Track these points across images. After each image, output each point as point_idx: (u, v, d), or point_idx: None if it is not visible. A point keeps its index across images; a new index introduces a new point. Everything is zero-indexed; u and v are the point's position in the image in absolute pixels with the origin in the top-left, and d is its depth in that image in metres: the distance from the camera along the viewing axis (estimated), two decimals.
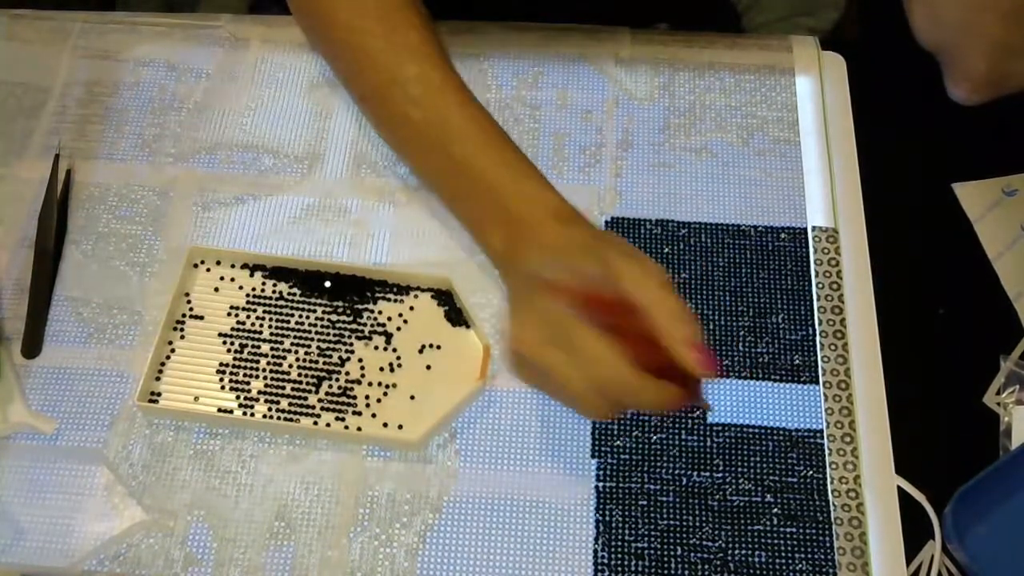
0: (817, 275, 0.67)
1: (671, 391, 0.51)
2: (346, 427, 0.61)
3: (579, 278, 0.53)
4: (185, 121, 0.74)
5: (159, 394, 0.62)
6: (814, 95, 0.74)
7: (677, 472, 0.61)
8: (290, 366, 0.63)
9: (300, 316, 0.65)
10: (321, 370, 0.63)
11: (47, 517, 0.60)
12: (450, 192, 0.63)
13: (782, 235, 0.68)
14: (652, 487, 0.60)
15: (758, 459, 0.61)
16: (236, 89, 0.75)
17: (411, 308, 0.65)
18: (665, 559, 0.58)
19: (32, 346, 0.65)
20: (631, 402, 0.52)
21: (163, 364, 0.63)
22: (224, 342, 0.64)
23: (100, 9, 0.81)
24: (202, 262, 0.67)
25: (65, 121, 0.74)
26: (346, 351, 0.64)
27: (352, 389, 0.62)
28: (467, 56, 0.75)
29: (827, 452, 0.61)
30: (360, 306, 0.65)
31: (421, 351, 0.64)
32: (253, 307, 0.65)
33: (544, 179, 0.60)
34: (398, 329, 0.64)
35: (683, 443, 0.62)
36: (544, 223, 0.57)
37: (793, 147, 0.72)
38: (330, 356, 0.63)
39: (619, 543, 0.59)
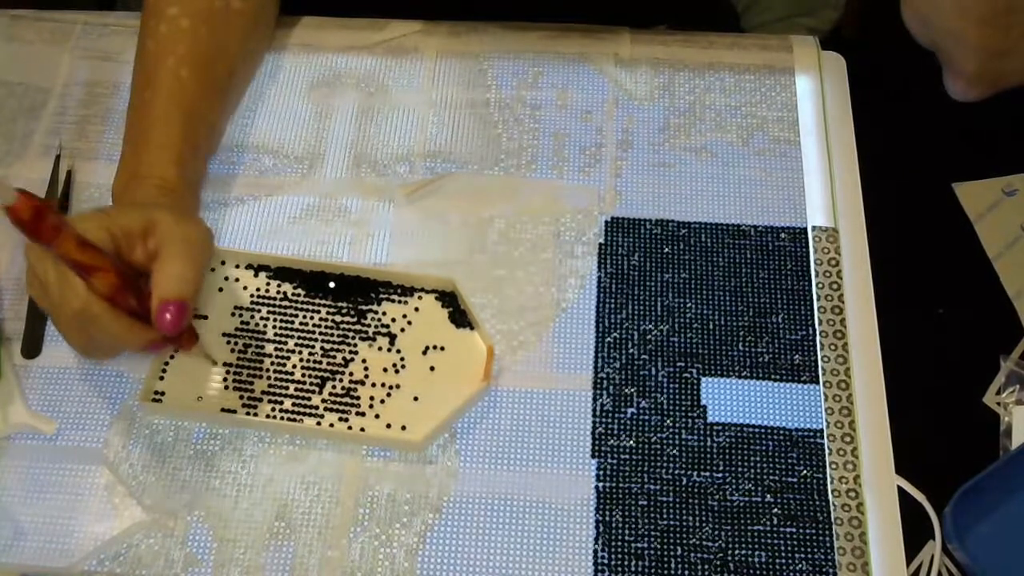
0: (817, 275, 0.67)
1: (142, 331, 0.56)
2: (349, 428, 0.61)
3: (110, 228, 0.56)
4: None
5: (162, 394, 0.62)
6: (814, 95, 0.74)
7: (677, 472, 0.61)
8: (294, 366, 0.63)
9: (304, 317, 0.65)
10: (325, 371, 0.63)
11: (47, 517, 0.60)
12: (127, 119, 0.67)
13: (782, 235, 0.68)
14: (652, 487, 0.60)
15: (758, 459, 0.61)
16: None
17: (415, 309, 0.65)
18: (665, 559, 0.58)
19: (32, 346, 0.65)
20: (101, 336, 0.56)
21: (166, 364, 0.63)
22: (228, 342, 0.64)
23: (100, 9, 0.81)
24: None
25: (66, 122, 0.74)
26: (350, 352, 0.64)
27: (356, 390, 0.62)
28: (467, 56, 0.75)
29: (827, 452, 0.61)
30: (364, 307, 0.65)
31: (425, 352, 0.64)
32: (257, 307, 0.65)
33: (185, 158, 0.64)
34: (402, 330, 0.64)
35: (683, 443, 0.62)
36: (151, 185, 0.62)
37: (793, 147, 0.72)
38: (334, 357, 0.63)
39: (619, 543, 0.59)
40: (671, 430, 0.62)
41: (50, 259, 0.55)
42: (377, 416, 0.62)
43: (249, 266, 0.67)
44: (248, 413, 0.62)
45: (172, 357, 0.64)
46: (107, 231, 0.56)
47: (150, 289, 0.56)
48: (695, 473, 0.61)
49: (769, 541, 0.59)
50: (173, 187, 0.63)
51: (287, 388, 0.62)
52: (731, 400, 0.63)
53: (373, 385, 0.63)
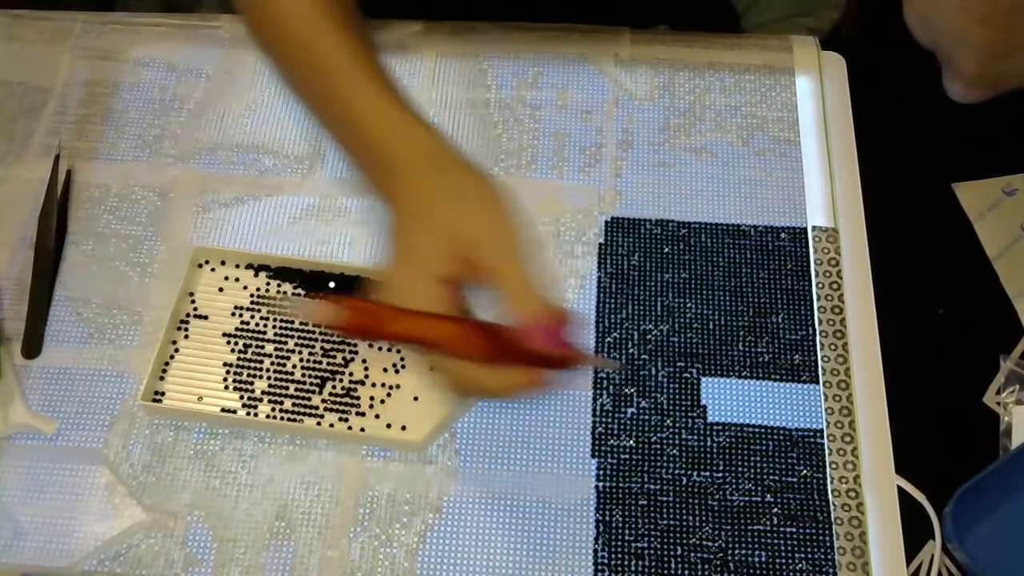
0: (817, 275, 0.67)
1: (515, 376, 0.49)
2: (349, 428, 0.61)
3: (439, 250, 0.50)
4: (185, 121, 0.74)
5: (163, 394, 0.62)
6: (814, 95, 0.74)
7: (677, 472, 0.61)
8: (294, 366, 0.63)
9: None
10: (325, 371, 0.63)
11: (47, 517, 0.60)
12: (322, 119, 0.58)
13: (782, 235, 0.68)
14: (652, 487, 0.60)
15: (758, 459, 0.61)
16: (236, 89, 0.75)
17: None
18: (665, 559, 0.58)
19: (32, 346, 0.65)
20: (479, 392, 0.51)
21: (167, 364, 0.63)
22: (228, 342, 0.64)
23: (100, 9, 0.81)
24: (206, 262, 0.67)
25: (65, 121, 0.74)
26: (350, 352, 0.64)
27: (356, 390, 0.62)
28: (467, 56, 0.75)
29: (827, 452, 0.61)
30: None
31: None
32: (257, 307, 0.65)
33: (417, 114, 0.55)
34: None
35: (683, 443, 0.62)
36: (416, 166, 0.53)
37: (793, 147, 0.72)
38: (334, 357, 0.63)
39: (619, 543, 0.59)
40: (671, 430, 0.62)
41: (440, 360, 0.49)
42: (377, 416, 0.62)
43: (249, 266, 0.67)
44: (248, 413, 0.62)
45: (172, 357, 0.64)
46: (433, 283, 0.49)
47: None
48: (695, 473, 0.61)
49: (769, 541, 0.59)
50: (419, 133, 0.53)
51: (287, 388, 0.62)
52: (731, 400, 0.63)
53: (373, 385, 0.63)
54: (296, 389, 0.62)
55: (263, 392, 0.62)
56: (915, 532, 0.60)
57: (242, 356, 0.64)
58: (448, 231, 0.50)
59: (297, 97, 0.60)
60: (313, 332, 0.64)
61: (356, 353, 0.64)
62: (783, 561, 0.58)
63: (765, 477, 0.60)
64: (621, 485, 0.60)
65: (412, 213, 0.52)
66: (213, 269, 0.67)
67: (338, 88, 0.55)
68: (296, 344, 0.64)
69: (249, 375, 0.63)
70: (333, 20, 0.56)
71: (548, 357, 0.50)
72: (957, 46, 0.56)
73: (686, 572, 0.58)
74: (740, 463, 0.61)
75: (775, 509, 0.60)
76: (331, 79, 0.55)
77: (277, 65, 0.60)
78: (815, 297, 0.66)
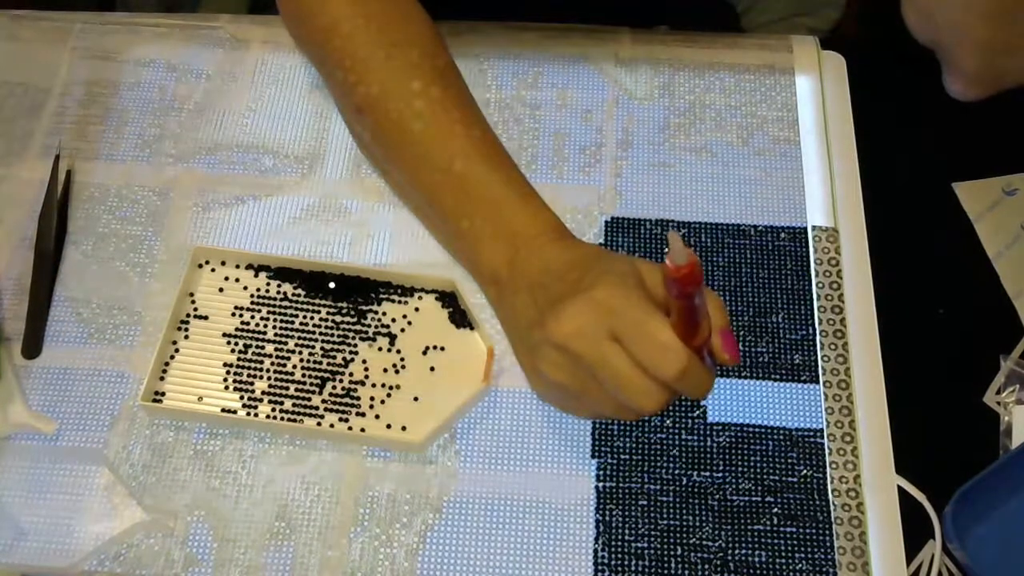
0: (817, 275, 0.67)
1: (711, 377, 0.51)
2: (349, 428, 0.61)
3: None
4: (185, 121, 0.74)
5: (163, 394, 0.62)
6: (814, 95, 0.74)
7: (677, 472, 0.61)
8: (294, 367, 0.63)
9: (304, 317, 0.65)
10: (325, 371, 0.63)
11: (47, 517, 0.60)
12: (445, 209, 0.61)
13: (782, 235, 0.68)
14: (652, 487, 0.60)
15: (758, 459, 0.61)
16: (236, 89, 0.75)
17: (416, 310, 0.65)
18: (665, 559, 0.58)
19: (32, 346, 0.65)
20: (690, 389, 0.51)
21: (167, 364, 0.63)
22: (228, 342, 0.64)
23: (100, 9, 0.81)
24: (207, 262, 0.67)
25: (65, 121, 0.74)
26: (350, 352, 0.64)
27: (356, 390, 0.62)
28: (467, 56, 0.75)
29: (827, 452, 0.61)
30: (364, 307, 0.65)
31: (425, 353, 0.64)
32: (257, 307, 0.65)
33: (543, 201, 0.60)
34: (402, 331, 0.64)
35: (683, 443, 0.62)
36: (545, 239, 0.57)
37: (793, 147, 0.72)
38: (334, 357, 0.63)
39: (619, 543, 0.59)
40: (671, 430, 0.62)
41: (605, 333, 0.50)
42: (377, 416, 0.62)
43: (249, 266, 0.67)
44: (248, 413, 0.62)
45: (172, 357, 0.64)
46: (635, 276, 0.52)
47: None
48: (695, 473, 0.61)
49: (769, 541, 0.59)
50: (568, 234, 0.59)
51: (287, 388, 0.62)
52: (731, 400, 0.63)
53: (373, 385, 0.63)
54: (296, 389, 0.62)
55: (263, 392, 0.62)
56: (915, 532, 0.60)
57: (242, 356, 0.64)
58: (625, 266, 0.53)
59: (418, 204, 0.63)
60: (313, 332, 0.64)
61: (356, 353, 0.64)
62: (783, 561, 0.58)
63: (765, 477, 0.60)
64: (621, 485, 0.60)
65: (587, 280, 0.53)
66: (213, 269, 0.67)
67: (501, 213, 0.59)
68: (296, 344, 0.64)
69: (249, 375, 0.63)
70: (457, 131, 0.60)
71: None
72: (958, 42, 0.56)
73: (686, 572, 0.58)
74: (740, 463, 0.61)
75: (775, 509, 0.60)
76: (487, 207, 0.59)
77: (400, 177, 0.63)
78: (815, 297, 0.66)
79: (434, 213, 0.62)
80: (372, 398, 0.62)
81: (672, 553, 0.58)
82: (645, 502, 0.60)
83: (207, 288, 0.66)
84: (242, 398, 0.62)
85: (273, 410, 0.62)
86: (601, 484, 0.60)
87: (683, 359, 0.48)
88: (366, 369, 0.63)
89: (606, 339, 0.49)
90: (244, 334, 0.64)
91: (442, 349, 0.64)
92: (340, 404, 0.62)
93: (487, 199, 0.59)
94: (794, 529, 0.59)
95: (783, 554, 0.58)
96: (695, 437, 0.62)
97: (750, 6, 1.01)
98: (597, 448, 0.62)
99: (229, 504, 0.60)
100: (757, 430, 0.62)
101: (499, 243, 0.58)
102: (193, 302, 0.65)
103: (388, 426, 0.61)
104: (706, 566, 0.58)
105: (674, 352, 0.48)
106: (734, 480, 0.60)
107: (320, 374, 0.63)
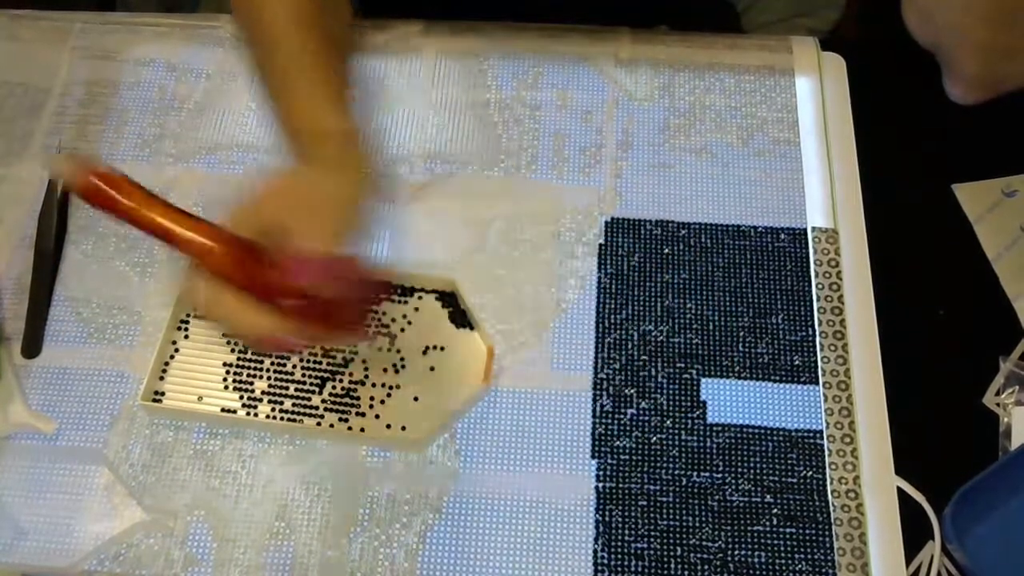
0: (817, 275, 0.67)
1: (264, 319, 0.48)
2: (349, 428, 0.61)
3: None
4: (185, 121, 0.74)
5: (163, 394, 0.62)
6: (814, 95, 0.74)
7: (677, 472, 0.61)
8: (294, 367, 0.63)
9: None
10: (325, 371, 0.63)
11: (47, 517, 0.60)
12: (264, 87, 0.61)
13: (782, 235, 0.68)
14: (652, 487, 0.60)
15: (758, 459, 0.61)
16: (236, 89, 0.75)
17: (416, 309, 0.65)
18: (665, 559, 0.58)
19: (32, 346, 0.65)
20: (220, 320, 0.50)
21: (167, 364, 0.63)
22: (228, 342, 0.64)
23: (100, 9, 0.81)
24: None
25: (65, 121, 0.74)
26: (350, 352, 0.64)
27: (356, 390, 0.62)
28: (467, 56, 0.75)
29: (827, 452, 0.61)
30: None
31: (425, 352, 0.64)
32: None
33: (338, 99, 0.58)
34: (402, 330, 0.64)
35: (683, 443, 0.62)
36: (305, 137, 0.57)
37: (793, 147, 0.72)
38: (334, 357, 0.63)
39: (619, 543, 0.59)
40: (671, 431, 0.62)
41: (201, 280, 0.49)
42: (377, 416, 0.62)
43: None
44: (248, 413, 0.62)
45: (172, 357, 0.64)
46: (257, 229, 0.50)
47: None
48: (695, 473, 0.61)
49: (769, 541, 0.59)
50: (329, 134, 0.57)
51: (287, 388, 0.62)
52: (731, 401, 0.63)
53: (373, 385, 0.63)
54: (296, 389, 0.62)
55: (263, 392, 0.62)
56: (915, 532, 0.60)
57: (242, 356, 0.64)
58: (274, 213, 0.51)
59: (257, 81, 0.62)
60: None
61: (356, 353, 0.64)
62: (783, 561, 0.58)
63: (765, 478, 0.60)
64: (621, 486, 0.60)
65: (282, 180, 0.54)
66: None
67: (286, 81, 0.58)
68: None
69: (249, 375, 0.63)
70: (301, 22, 0.59)
71: (308, 308, 0.47)
72: (958, 45, 0.56)
73: (686, 572, 0.58)
74: (740, 464, 0.61)
75: (775, 510, 0.60)
76: (286, 77, 0.59)
77: (249, 57, 0.62)
78: (815, 298, 0.66)
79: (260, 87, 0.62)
80: (372, 398, 0.62)
81: (672, 554, 0.58)
82: (645, 503, 0.60)
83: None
84: (242, 398, 0.62)
85: (273, 410, 0.62)
86: (601, 484, 0.60)
87: (189, 282, 0.48)
88: (366, 369, 0.63)
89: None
90: None
91: (442, 349, 0.64)
92: (340, 404, 0.62)
93: (287, 86, 0.58)
94: (794, 530, 0.59)
95: (783, 555, 0.58)
96: (695, 438, 0.62)
97: (750, 6, 1.01)
98: (597, 448, 0.62)
99: (229, 504, 0.60)
100: (757, 431, 0.62)
101: (284, 130, 0.58)
102: None
103: (388, 426, 0.61)
104: (706, 567, 0.58)
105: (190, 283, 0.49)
106: (734, 481, 0.60)
107: (320, 374, 0.63)
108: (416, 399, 0.62)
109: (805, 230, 0.69)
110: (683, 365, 0.64)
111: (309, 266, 0.46)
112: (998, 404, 0.64)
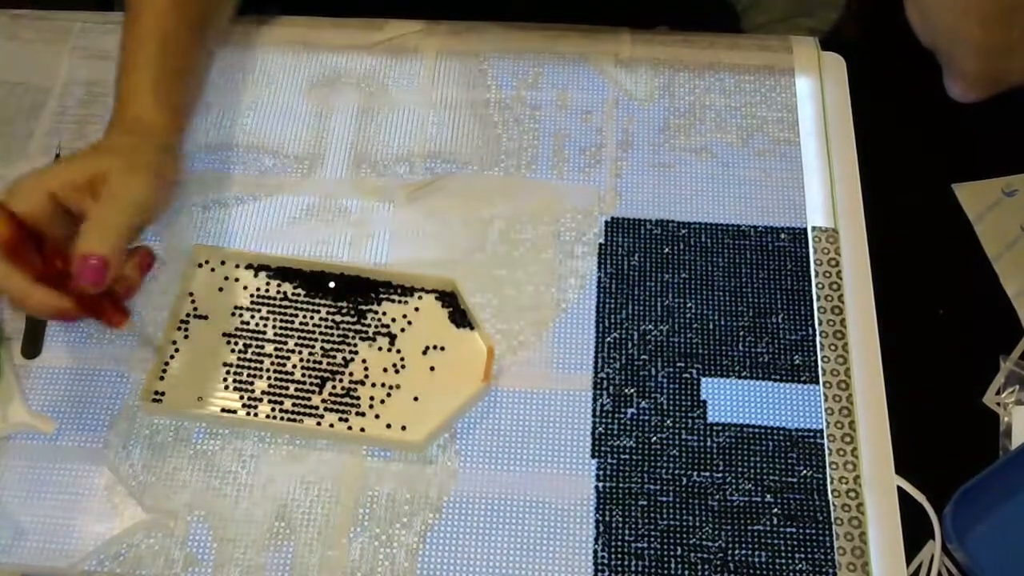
0: (817, 275, 0.67)
1: (46, 295, 0.55)
2: (349, 428, 0.61)
3: (50, 186, 0.57)
4: None
5: (162, 394, 0.62)
6: (814, 95, 0.74)
7: (677, 472, 0.61)
8: (294, 367, 0.63)
9: (304, 317, 0.65)
10: (325, 371, 0.63)
11: (47, 517, 0.60)
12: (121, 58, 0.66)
13: (782, 235, 0.68)
14: (652, 487, 0.60)
15: (758, 459, 0.61)
16: (236, 89, 0.75)
17: (416, 309, 0.65)
18: (665, 559, 0.58)
19: (32, 346, 0.65)
20: (20, 303, 0.55)
21: (167, 364, 0.63)
22: (228, 342, 0.64)
23: (100, 9, 0.81)
24: (206, 262, 0.67)
25: (65, 121, 0.74)
26: (350, 352, 0.64)
27: (356, 390, 0.62)
28: (467, 56, 0.75)
29: (827, 452, 0.61)
30: (364, 307, 0.65)
31: (425, 352, 0.64)
32: (257, 307, 0.65)
33: (160, 92, 0.63)
34: (402, 330, 0.64)
35: (683, 443, 0.62)
36: (120, 123, 0.62)
37: (793, 147, 0.72)
38: (334, 357, 0.63)
39: (619, 543, 0.59)
40: (671, 430, 0.62)
41: None
42: (377, 416, 0.62)
43: (249, 266, 0.67)
44: (248, 413, 0.62)
45: (172, 357, 0.64)
46: (45, 192, 0.56)
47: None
48: (695, 473, 0.61)
49: (769, 541, 0.59)
50: (146, 123, 0.62)
51: (287, 388, 0.62)
52: (731, 400, 0.63)
53: (373, 385, 0.63)
54: (296, 389, 0.62)
55: (263, 392, 0.62)
56: (915, 532, 0.60)
57: (242, 356, 0.64)
58: (93, 166, 0.57)
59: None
60: (313, 332, 0.64)
61: (356, 353, 0.64)
62: (783, 561, 0.58)
63: (765, 477, 0.60)
64: (621, 485, 0.60)
65: (97, 146, 0.61)
66: (213, 269, 0.67)
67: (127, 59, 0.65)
68: (296, 344, 0.64)
69: (249, 375, 0.63)
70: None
71: (86, 298, 0.56)
72: (957, 45, 0.56)
73: (686, 572, 0.58)
74: (740, 463, 0.61)
75: (775, 509, 0.60)
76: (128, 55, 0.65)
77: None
78: (815, 297, 0.66)
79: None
80: (372, 398, 0.62)
81: (672, 553, 0.58)
82: (645, 502, 0.60)
83: (207, 288, 0.66)
84: (242, 398, 0.62)
85: (273, 410, 0.62)
86: (601, 484, 0.60)
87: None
88: (366, 369, 0.63)
89: None
90: (244, 334, 0.64)
91: (442, 349, 0.64)
92: (340, 404, 0.62)
93: (122, 62, 0.64)
94: (794, 529, 0.59)
95: (783, 554, 0.58)
96: (695, 437, 0.62)
97: (750, 6, 1.01)
98: (597, 448, 0.62)
99: (229, 504, 0.60)
100: (757, 430, 0.62)
101: (114, 108, 0.64)
102: (193, 302, 0.65)
103: (388, 426, 0.61)
104: (706, 566, 0.58)
105: None
106: (734, 480, 0.60)
107: (320, 374, 0.63)
108: (416, 399, 0.62)
109: (805, 230, 0.69)
110: (683, 364, 0.64)
111: (86, 273, 0.54)
112: (998, 403, 0.64)
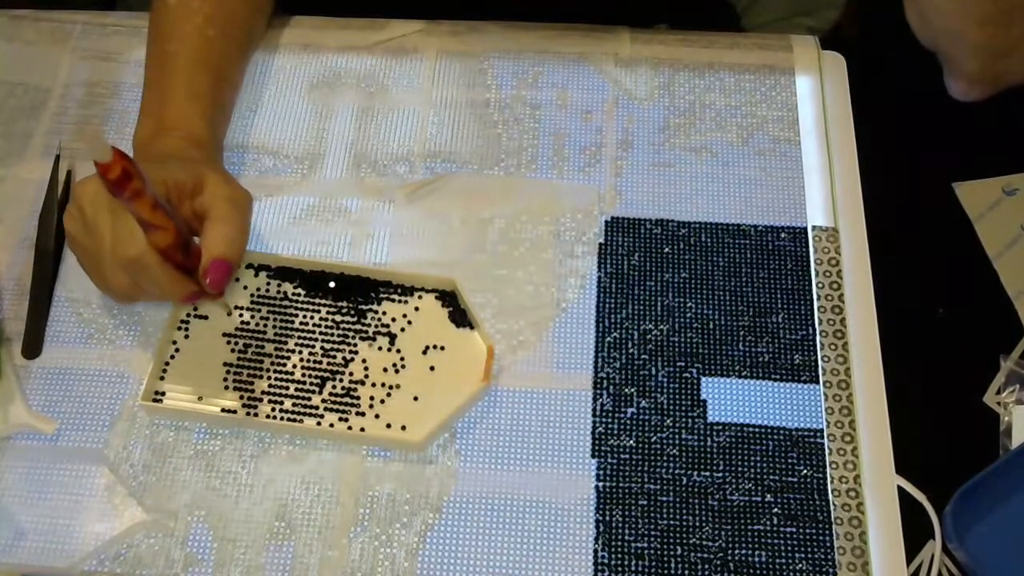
0: (817, 275, 0.67)
1: (185, 284, 0.58)
2: (349, 428, 0.61)
3: (167, 181, 0.58)
4: None
5: (163, 394, 0.62)
6: (814, 95, 0.74)
7: (677, 472, 0.61)
8: (294, 366, 0.63)
9: (304, 316, 0.65)
10: (325, 371, 0.63)
11: (47, 517, 0.60)
12: (146, 73, 0.68)
13: (782, 235, 0.68)
14: (652, 487, 0.60)
15: (758, 459, 0.61)
16: None
17: (415, 309, 0.65)
18: (665, 559, 0.58)
19: (32, 346, 0.65)
20: (149, 284, 0.57)
21: (167, 364, 0.63)
22: (228, 342, 0.64)
23: (100, 9, 0.81)
24: None
25: (65, 122, 0.74)
26: (350, 352, 0.64)
27: (356, 390, 0.62)
28: (467, 56, 0.75)
29: (827, 452, 0.61)
30: (364, 307, 0.65)
31: (425, 352, 0.64)
32: (257, 307, 0.65)
33: (205, 113, 0.65)
34: (402, 330, 0.64)
35: (683, 443, 0.62)
36: (177, 135, 0.64)
37: (793, 147, 0.72)
38: (334, 357, 0.63)
39: (619, 543, 0.59)
40: (671, 430, 0.62)
41: (105, 203, 0.55)
42: (377, 416, 0.62)
43: (249, 266, 0.67)
44: (248, 413, 0.62)
45: (172, 357, 0.64)
46: (163, 184, 0.57)
47: (198, 247, 0.58)
48: (695, 473, 0.61)
49: (769, 541, 0.59)
50: (202, 142, 0.64)
51: (287, 388, 0.62)
52: (731, 400, 0.63)
53: (373, 385, 0.63)
54: (296, 389, 0.62)
55: (263, 392, 0.62)
56: (915, 532, 0.60)
57: (242, 356, 0.64)
58: (196, 173, 0.59)
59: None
60: (313, 332, 0.64)
61: (356, 353, 0.64)
62: (783, 561, 0.58)
63: (765, 477, 0.60)
64: (621, 485, 0.60)
65: (178, 156, 0.62)
66: None
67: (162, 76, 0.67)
68: (296, 344, 0.64)
69: (249, 375, 0.63)
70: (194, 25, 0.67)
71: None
72: (957, 46, 0.56)
73: (686, 572, 0.58)
74: (740, 463, 0.61)
75: (775, 509, 0.60)
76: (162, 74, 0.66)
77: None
78: (815, 297, 0.66)
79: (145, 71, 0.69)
80: (372, 398, 0.62)
81: (672, 553, 0.58)
82: (645, 502, 0.60)
83: None
84: (242, 398, 0.62)
85: (273, 410, 0.62)
86: (601, 484, 0.60)
87: (138, 248, 0.55)
88: (366, 369, 0.63)
89: (105, 209, 0.55)
90: (244, 334, 0.64)
91: (442, 349, 0.64)
92: (340, 404, 0.62)
93: (169, 83, 0.66)
94: (794, 529, 0.59)
95: (783, 554, 0.58)
96: (695, 437, 0.62)
97: (750, 5, 1.02)
98: (597, 448, 0.62)
99: (229, 504, 0.60)
100: (757, 430, 0.62)
101: (150, 119, 0.65)
102: None
103: (388, 426, 0.61)
104: (706, 566, 0.58)
105: (133, 239, 0.55)
106: (734, 480, 0.60)
107: (320, 374, 0.63)
108: (416, 399, 0.62)
109: (805, 229, 0.69)
110: (683, 364, 0.64)
111: (222, 277, 0.57)
112: (999, 403, 0.64)
